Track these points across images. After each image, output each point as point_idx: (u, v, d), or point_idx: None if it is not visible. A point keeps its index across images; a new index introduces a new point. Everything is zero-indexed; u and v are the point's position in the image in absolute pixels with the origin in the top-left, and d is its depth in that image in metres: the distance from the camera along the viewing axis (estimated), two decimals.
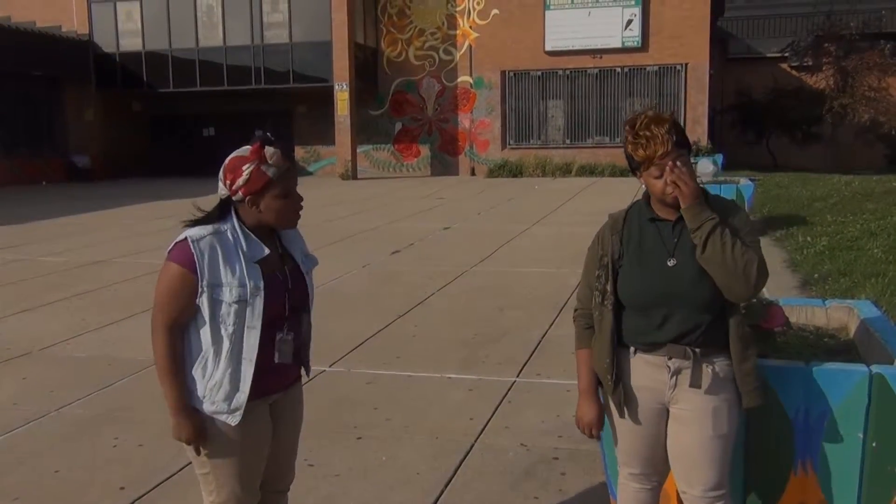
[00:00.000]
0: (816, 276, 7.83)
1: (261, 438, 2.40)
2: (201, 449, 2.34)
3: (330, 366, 5.32)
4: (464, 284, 8.04)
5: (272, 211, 2.31)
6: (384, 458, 3.90)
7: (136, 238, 11.73)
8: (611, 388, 2.47)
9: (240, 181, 2.26)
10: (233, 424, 2.30)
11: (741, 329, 2.39)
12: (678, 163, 2.30)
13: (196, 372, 2.31)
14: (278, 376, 2.41)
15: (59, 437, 4.25)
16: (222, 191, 2.32)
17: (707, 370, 2.38)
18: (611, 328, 2.45)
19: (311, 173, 26.40)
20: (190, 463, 3.71)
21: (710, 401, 2.39)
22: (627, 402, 2.47)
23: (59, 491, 3.63)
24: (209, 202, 2.42)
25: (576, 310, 2.61)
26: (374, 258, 9.56)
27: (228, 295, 2.25)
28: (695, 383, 2.37)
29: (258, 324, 2.28)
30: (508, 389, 4.83)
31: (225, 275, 2.26)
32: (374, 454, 3.94)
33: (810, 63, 26.40)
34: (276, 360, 2.37)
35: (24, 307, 7.40)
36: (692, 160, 2.53)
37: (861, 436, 2.66)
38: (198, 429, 2.28)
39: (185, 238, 2.27)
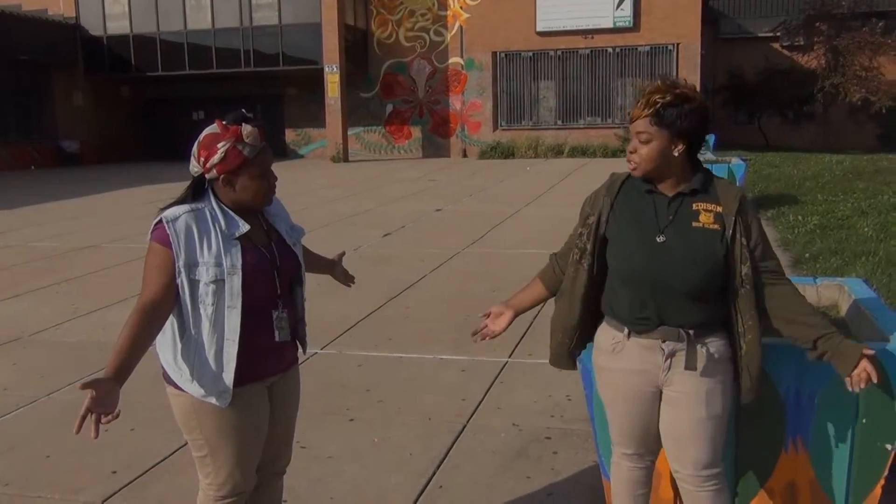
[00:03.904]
0: (807, 254, 7.85)
1: (259, 421, 2.38)
2: (199, 433, 2.32)
3: (321, 348, 5.31)
4: (456, 266, 8.03)
5: (248, 190, 2.28)
6: (376, 439, 3.90)
7: (126, 223, 11.67)
8: (568, 347, 2.52)
9: (214, 159, 2.22)
10: (222, 406, 2.28)
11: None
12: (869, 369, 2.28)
13: (184, 356, 2.28)
14: (276, 358, 2.39)
15: (50, 422, 4.23)
16: (194, 168, 2.28)
17: (702, 352, 2.34)
18: (583, 291, 2.43)
19: (301, 156, 26.30)
20: (182, 446, 3.72)
21: (704, 383, 2.35)
22: (598, 370, 2.51)
23: (50, 476, 3.61)
24: None
25: (555, 254, 2.63)
26: (365, 241, 9.54)
27: (205, 275, 2.22)
28: (690, 366, 2.33)
29: (238, 303, 2.24)
30: (500, 370, 4.83)
31: (201, 254, 2.22)
32: (367, 436, 3.94)
33: (802, 42, 26.33)
34: (277, 339, 2.34)
35: (14, 293, 7.36)
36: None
37: (851, 413, 2.67)
38: (102, 395, 2.04)
39: (161, 219, 2.24)
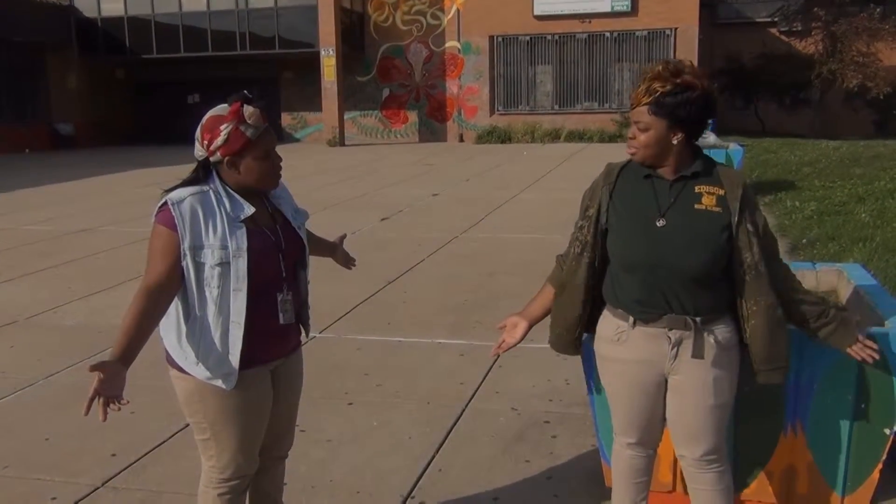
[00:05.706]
0: (805, 240, 7.86)
1: (262, 405, 2.38)
2: (203, 416, 2.32)
3: (320, 332, 5.31)
4: (453, 250, 8.03)
5: (252, 172, 2.27)
6: (375, 423, 3.91)
7: (121, 206, 11.64)
8: (570, 339, 2.53)
9: (218, 141, 2.21)
10: (227, 389, 2.27)
11: (776, 314, 2.30)
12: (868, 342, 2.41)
13: (189, 338, 2.28)
14: (280, 342, 2.39)
15: (49, 405, 4.23)
16: (199, 151, 2.27)
17: (709, 339, 2.30)
18: (584, 283, 2.43)
19: (298, 140, 26.20)
20: (181, 429, 3.72)
21: (711, 371, 2.31)
22: (601, 360, 2.50)
23: (49, 458, 3.62)
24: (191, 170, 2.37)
25: (560, 255, 2.61)
26: (362, 225, 9.53)
27: (211, 257, 2.21)
28: (697, 354, 2.29)
29: (244, 286, 2.23)
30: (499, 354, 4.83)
31: (206, 236, 2.21)
32: (366, 419, 3.95)
33: (799, 28, 26.25)
34: (282, 322, 2.33)
35: (10, 276, 7.34)
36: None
37: (850, 397, 2.68)
38: (108, 378, 2.08)
39: (166, 202, 2.23)
